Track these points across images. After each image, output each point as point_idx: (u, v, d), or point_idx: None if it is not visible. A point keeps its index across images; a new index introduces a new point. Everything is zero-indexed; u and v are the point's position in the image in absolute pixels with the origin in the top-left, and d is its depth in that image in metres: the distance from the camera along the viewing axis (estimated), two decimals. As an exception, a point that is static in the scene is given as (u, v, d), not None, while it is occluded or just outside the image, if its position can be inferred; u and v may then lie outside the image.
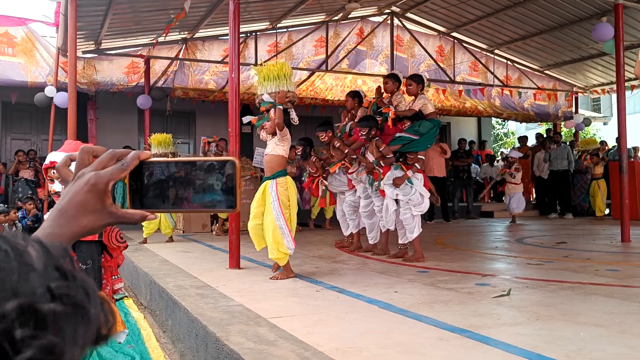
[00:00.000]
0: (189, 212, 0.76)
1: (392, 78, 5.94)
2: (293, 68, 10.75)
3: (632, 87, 10.88)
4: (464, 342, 2.62)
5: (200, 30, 9.92)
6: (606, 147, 12.58)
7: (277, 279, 4.43)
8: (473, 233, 9.04)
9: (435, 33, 12.04)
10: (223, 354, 2.56)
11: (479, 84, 12.26)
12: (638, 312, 3.23)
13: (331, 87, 11.92)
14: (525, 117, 13.95)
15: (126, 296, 5.10)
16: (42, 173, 9.72)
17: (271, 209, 4.45)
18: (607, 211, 11.44)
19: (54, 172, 2.26)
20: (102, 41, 9.47)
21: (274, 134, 4.54)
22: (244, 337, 2.66)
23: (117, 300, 2.49)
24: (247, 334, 2.72)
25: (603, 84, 13.28)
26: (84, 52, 9.64)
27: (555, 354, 2.40)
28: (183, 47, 10.36)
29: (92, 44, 9.57)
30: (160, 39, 9.34)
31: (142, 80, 10.13)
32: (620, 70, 7.39)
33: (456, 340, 2.67)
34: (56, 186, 2.33)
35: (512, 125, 23.30)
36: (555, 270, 4.80)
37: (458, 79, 12.20)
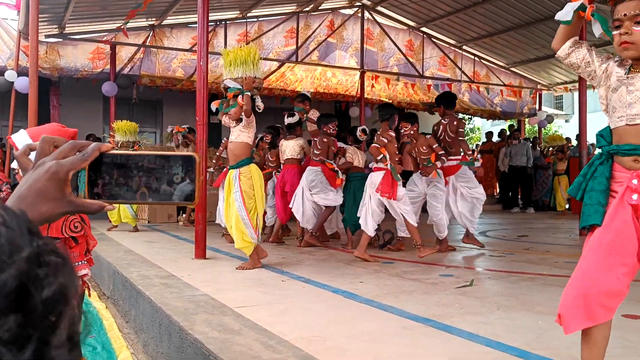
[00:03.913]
0: (148, 204, 0.78)
1: (302, 100, 6.34)
2: (263, 58, 10.74)
3: (594, 87, 11.21)
4: (427, 331, 2.67)
5: (169, 17, 9.75)
6: (570, 144, 12.92)
7: (243, 269, 4.42)
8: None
9: (405, 27, 12.12)
10: (187, 343, 2.54)
11: (447, 79, 12.41)
12: (594, 302, 3.33)
13: (301, 79, 11.88)
14: (490, 114, 14.21)
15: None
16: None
17: (233, 200, 4.41)
18: (567, 206, 11.77)
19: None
20: (66, 25, 9.21)
21: (238, 120, 4.48)
22: (208, 327, 2.65)
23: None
24: (211, 324, 2.71)
25: (566, 82, 13.61)
26: (46, 36, 9.35)
27: (515, 342, 2.46)
28: (150, 34, 10.16)
29: (56, 28, 9.30)
30: (127, 25, 9.13)
31: (108, 66, 9.90)
32: (582, 69, 7.57)
33: (420, 329, 2.71)
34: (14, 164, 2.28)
35: (478, 121, 23.70)
36: (516, 262, 4.92)
37: (427, 73, 12.32)
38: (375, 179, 4.98)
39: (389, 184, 4.83)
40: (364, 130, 6.25)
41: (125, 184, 0.74)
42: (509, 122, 15.31)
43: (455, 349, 2.39)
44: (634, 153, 1.79)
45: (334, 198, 5.80)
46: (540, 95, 14.36)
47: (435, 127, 5.71)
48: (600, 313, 1.83)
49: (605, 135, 1.89)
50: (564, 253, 5.62)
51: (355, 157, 6.18)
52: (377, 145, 5.00)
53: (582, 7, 1.94)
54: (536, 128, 15.74)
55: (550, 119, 14.66)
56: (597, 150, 1.99)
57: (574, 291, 1.87)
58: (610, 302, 1.84)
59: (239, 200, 4.38)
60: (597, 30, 1.93)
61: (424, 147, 5.34)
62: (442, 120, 5.65)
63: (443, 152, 5.39)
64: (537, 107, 14.36)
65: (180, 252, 5.44)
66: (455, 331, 2.65)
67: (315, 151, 5.84)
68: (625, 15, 1.80)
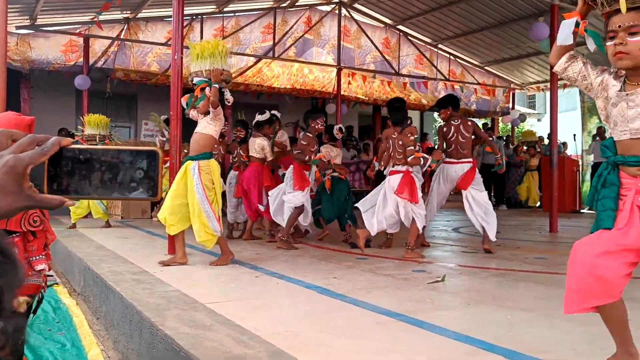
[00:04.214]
0: (108, 199, 0.78)
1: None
2: (240, 54, 10.71)
3: (565, 86, 11.42)
4: (399, 326, 2.70)
5: (144, 10, 9.63)
6: (542, 142, 13.16)
7: (216, 264, 4.39)
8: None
9: (382, 25, 12.18)
10: (157, 339, 2.52)
11: (424, 77, 12.50)
12: (562, 297, 3.40)
13: (278, 75, 11.85)
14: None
15: (57, 283, 4.93)
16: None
17: (194, 192, 4.31)
18: (538, 203, 12.01)
19: None
20: (38, 17, 9.03)
21: (206, 113, 4.43)
22: (179, 322, 2.63)
23: (48, 286, 2.39)
24: (183, 319, 2.69)
25: (538, 82, 13.84)
26: (17, 28, 9.16)
27: (485, 337, 2.50)
28: (125, 27, 10.01)
29: (27, 19, 9.10)
30: (100, 18, 8.98)
31: (81, 59, 9.73)
32: (554, 69, 7.71)
33: (392, 324, 2.73)
34: None
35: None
36: (487, 258, 5.00)
37: (404, 71, 12.40)
38: (393, 182, 5.05)
39: (408, 187, 4.92)
40: (340, 129, 6.26)
41: (86, 179, 0.73)
42: (482, 121, 15.52)
43: (426, 343, 2.42)
44: (639, 164, 1.92)
45: (292, 199, 5.60)
46: (513, 94, 14.60)
47: (445, 129, 5.53)
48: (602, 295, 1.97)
49: (610, 146, 2.00)
50: (535, 249, 5.73)
51: (331, 155, 6.15)
52: (417, 153, 5.07)
53: (575, 24, 2.02)
54: (509, 126, 15.98)
55: (523, 117, 14.92)
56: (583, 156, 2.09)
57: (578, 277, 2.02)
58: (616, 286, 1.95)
59: (201, 192, 4.28)
60: (590, 45, 2.01)
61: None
62: (452, 122, 5.49)
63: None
64: (511, 105, 14.59)
65: (154, 247, 5.39)
66: (426, 326, 2.68)
67: (295, 150, 5.82)
68: (620, 26, 1.87)
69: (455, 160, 5.40)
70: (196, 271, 4.20)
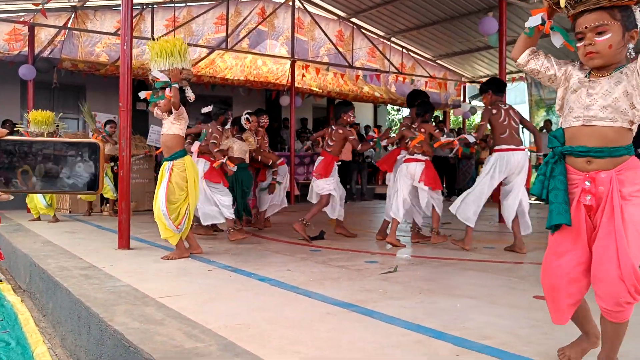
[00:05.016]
0: (46, 193, 0.76)
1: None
2: (192, 45, 10.52)
3: (512, 80, 11.77)
4: (350, 316, 2.74)
5: (91, -1, 9.32)
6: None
7: (169, 258, 4.34)
8: (366, 214, 9.37)
9: (336, 17, 12.20)
10: (106, 335, 2.48)
11: (376, 70, 12.61)
12: (507, 284, 3.54)
13: (231, 67, 11.71)
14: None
15: (0, 280, 4.76)
16: None
17: (159, 190, 4.40)
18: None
19: None
20: (-23, 3, 8.61)
21: (169, 112, 4.41)
22: (129, 317, 2.59)
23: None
24: (132, 314, 2.65)
25: (488, 75, 14.19)
26: (-45, 14, 8.71)
27: (433, 324, 2.57)
28: (72, 16, 9.66)
29: (-35, 6, 8.67)
30: (46, 6, 8.63)
31: (26, 48, 9.33)
32: (502, 63, 7.94)
33: (343, 314, 2.77)
34: None
35: (406, 111, 24.29)
36: (438, 248, 5.12)
37: (357, 64, 12.46)
38: (411, 169, 5.23)
39: (432, 175, 5.19)
40: (248, 119, 6.10)
41: (22, 172, 0.71)
42: (435, 114, 15.81)
43: (375, 332, 2.47)
44: (587, 154, 1.90)
45: (322, 185, 5.56)
46: (464, 88, 14.91)
47: (494, 111, 4.98)
48: (567, 307, 2.01)
49: (559, 136, 2.00)
50: (484, 239, 5.91)
51: (236, 146, 6.03)
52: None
53: (541, 21, 2.06)
54: (460, 119, 16.34)
55: (473, 110, 15.27)
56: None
57: (546, 288, 2.05)
58: (575, 295, 1.99)
59: (162, 192, 4.34)
60: (557, 41, 2.03)
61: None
62: (500, 106, 5.02)
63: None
64: (462, 99, 14.91)
65: (103, 242, 5.27)
66: (377, 315, 2.73)
67: (329, 142, 5.73)
68: (586, 27, 1.89)
69: (515, 147, 4.93)
70: (147, 265, 4.13)
